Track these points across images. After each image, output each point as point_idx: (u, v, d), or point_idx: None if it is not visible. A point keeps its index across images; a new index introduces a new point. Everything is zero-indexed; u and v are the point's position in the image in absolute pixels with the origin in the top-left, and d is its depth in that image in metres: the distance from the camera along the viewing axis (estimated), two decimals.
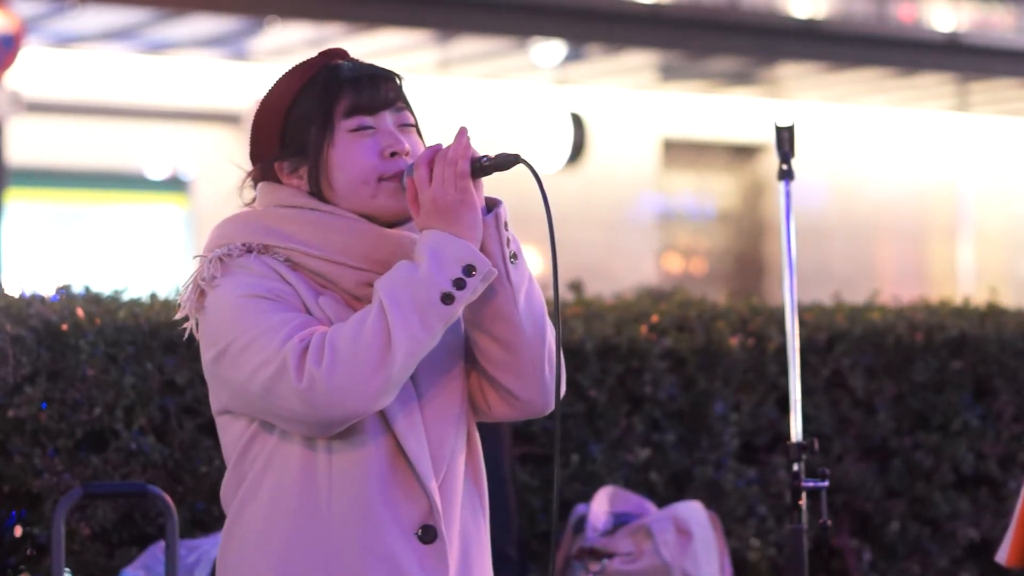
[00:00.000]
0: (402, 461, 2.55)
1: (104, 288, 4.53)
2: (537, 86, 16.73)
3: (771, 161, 14.71)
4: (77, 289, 4.45)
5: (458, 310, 2.49)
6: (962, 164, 20.12)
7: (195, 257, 2.63)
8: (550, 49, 15.57)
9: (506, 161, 2.58)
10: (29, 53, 13.10)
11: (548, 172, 16.50)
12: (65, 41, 14.88)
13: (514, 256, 2.61)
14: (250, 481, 2.57)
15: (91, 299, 4.43)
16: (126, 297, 4.51)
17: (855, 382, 5.58)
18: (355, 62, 2.66)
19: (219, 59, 15.74)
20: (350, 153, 2.58)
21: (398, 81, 2.65)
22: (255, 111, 2.68)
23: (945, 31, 16.49)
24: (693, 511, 4.79)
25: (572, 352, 5.05)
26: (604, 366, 5.11)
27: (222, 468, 3.68)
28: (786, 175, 3.75)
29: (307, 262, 2.57)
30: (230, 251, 2.57)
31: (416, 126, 2.66)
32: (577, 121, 15.94)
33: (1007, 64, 16.91)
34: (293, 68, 2.67)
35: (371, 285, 2.56)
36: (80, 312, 4.30)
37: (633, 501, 4.87)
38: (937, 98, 18.61)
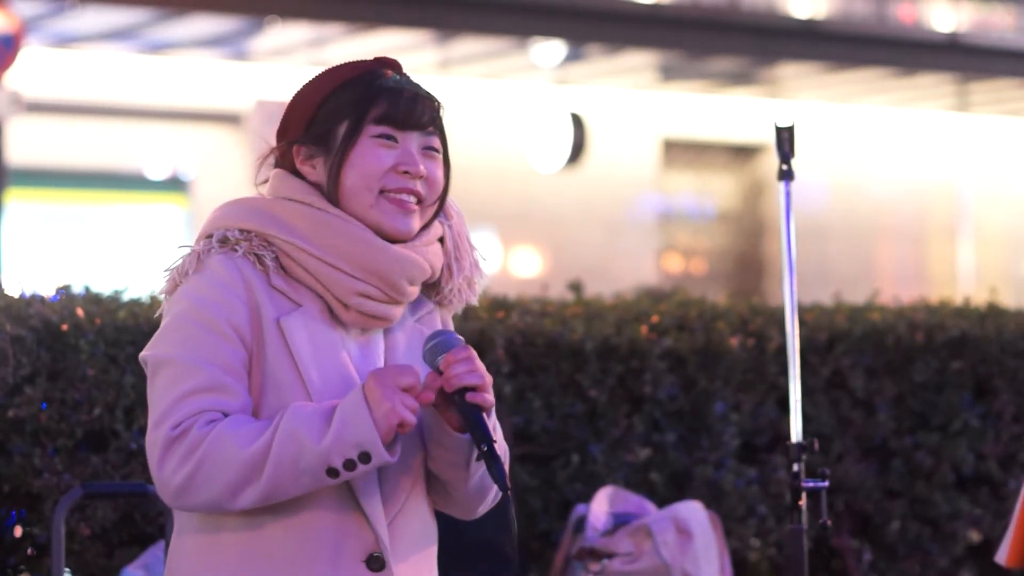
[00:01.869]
0: (352, 493, 2.55)
1: (104, 288, 4.53)
2: (537, 86, 16.73)
3: (771, 161, 14.68)
4: (77, 289, 4.45)
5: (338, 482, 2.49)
6: (962, 164, 20.12)
7: (180, 247, 2.63)
8: (550, 49, 15.57)
9: (476, 436, 2.50)
10: (29, 53, 13.10)
11: (548, 172, 16.51)
12: (65, 41, 14.88)
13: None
14: None
15: (91, 299, 4.43)
16: (126, 297, 4.51)
17: (855, 382, 5.58)
18: (403, 76, 2.67)
19: (219, 59, 15.74)
20: (365, 155, 2.59)
21: (437, 104, 2.65)
22: (296, 93, 2.69)
23: (945, 31, 16.49)
24: (693, 511, 4.79)
25: (572, 352, 5.05)
26: (604, 366, 5.11)
27: None
28: (786, 175, 3.75)
29: (304, 259, 2.56)
30: (211, 245, 2.57)
31: (444, 152, 2.66)
32: (577, 121, 15.94)
33: (1007, 64, 16.92)
34: (341, 64, 2.68)
35: (363, 295, 2.56)
36: (80, 312, 4.30)
37: (633, 501, 4.87)
38: (937, 98, 18.62)
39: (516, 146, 16.71)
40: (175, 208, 16.42)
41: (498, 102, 17.13)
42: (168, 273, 2.60)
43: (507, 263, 16.96)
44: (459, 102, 16.58)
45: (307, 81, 2.69)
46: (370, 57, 2.72)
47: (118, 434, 4.35)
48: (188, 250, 2.61)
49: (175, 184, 16.32)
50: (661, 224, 18.58)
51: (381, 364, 2.61)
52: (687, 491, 5.21)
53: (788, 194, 3.76)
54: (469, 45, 15.27)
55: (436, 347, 2.54)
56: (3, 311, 4.21)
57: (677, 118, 18.29)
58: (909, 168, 19.77)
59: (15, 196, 14.21)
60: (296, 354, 2.52)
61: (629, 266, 17.44)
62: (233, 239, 2.57)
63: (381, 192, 2.58)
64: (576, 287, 5.49)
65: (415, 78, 2.69)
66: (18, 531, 4.18)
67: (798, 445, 3.64)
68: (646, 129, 18.07)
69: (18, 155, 13.75)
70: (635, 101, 17.88)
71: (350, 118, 2.59)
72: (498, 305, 5.13)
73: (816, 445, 3.65)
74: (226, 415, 2.49)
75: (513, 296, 5.26)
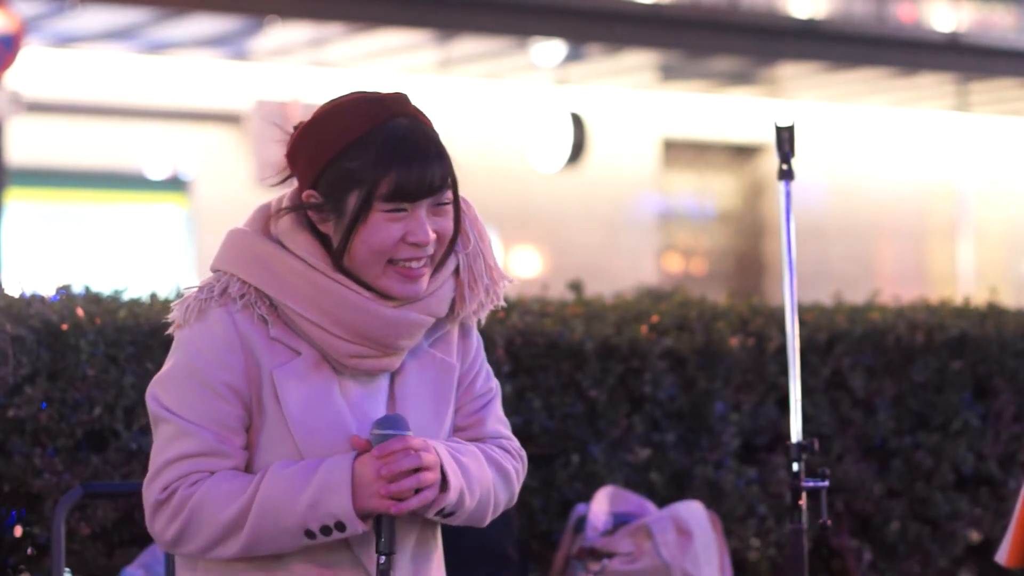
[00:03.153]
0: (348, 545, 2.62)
1: (104, 288, 4.53)
2: (537, 86, 16.73)
3: (771, 161, 14.69)
4: (77, 289, 4.45)
5: (316, 543, 2.56)
6: (962, 164, 20.13)
7: (187, 288, 2.68)
8: (550, 49, 15.57)
9: (377, 541, 2.56)
10: (29, 53, 13.10)
11: (548, 172, 16.51)
12: (65, 41, 14.89)
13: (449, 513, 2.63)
14: None
15: (91, 299, 4.42)
16: (126, 297, 4.51)
17: (855, 382, 5.58)
18: (413, 124, 2.60)
19: (219, 59, 15.75)
20: (375, 232, 2.57)
21: (446, 161, 2.61)
22: (305, 126, 2.64)
23: (945, 31, 16.50)
24: (693, 511, 4.79)
25: (572, 352, 5.05)
26: (604, 366, 5.11)
27: None
28: (786, 175, 3.75)
29: (299, 321, 2.60)
30: (211, 295, 2.61)
31: (455, 201, 2.63)
32: (577, 121, 15.95)
33: (1007, 64, 16.93)
34: (350, 106, 2.61)
35: (360, 357, 2.59)
36: (80, 312, 4.30)
37: (633, 501, 4.87)
38: (937, 98, 18.62)
39: (516, 146, 16.71)
40: (175, 208, 16.42)
41: (498, 102, 17.13)
42: (178, 306, 2.65)
43: (507, 263, 16.97)
44: (459, 102, 16.58)
45: (317, 120, 2.62)
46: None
47: (118, 434, 4.34)
48: (195, 288, 2.65)
49: (175, 184, 16.33)
50: (661, 224, 18.59)
51: (384, 404, 2.65)
52: (687, 491, 5.21)
53: (788, 194, 3.76)
54: (469, 45, 15.27)
55: (377, 439, 2.56)
56: (3, 311, 4.21)
57: (677, 118, 18.29)
58: (909, 168, 19.77)
59: (15, 196, 14.22)
60: (285, 407, 2.58)
61: (629, 266, 17.45)
62: (232, 293, 2.61)
63: (389, 262, 2.59)
64: (576, 287, 5.49)
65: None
66: (18, 531, 4.18)
67: (798, 445, 3.64)
68: (646, 129, 18.07)
69: (18, 155, 13.76)
70: (635, 101, 17.88)
71: (359, 190, 2.56)
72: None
73: (816, 445, 3.65)
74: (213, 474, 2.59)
75: (513, 296, 5.26)
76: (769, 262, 18.82)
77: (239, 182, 14.77)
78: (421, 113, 2.64)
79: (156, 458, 2.59)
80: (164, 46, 15.27)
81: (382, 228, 2.57)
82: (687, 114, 18.35)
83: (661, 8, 15.14)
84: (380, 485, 2.52)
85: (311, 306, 2.59)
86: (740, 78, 17.53)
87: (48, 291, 4.38)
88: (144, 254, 16.01)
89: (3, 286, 4.42)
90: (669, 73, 17.05)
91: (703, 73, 17.20)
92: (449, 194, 2.62)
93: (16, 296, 4.33)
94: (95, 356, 4.28)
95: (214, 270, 2.67)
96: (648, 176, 18.18)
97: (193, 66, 15.87)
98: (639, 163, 18.08)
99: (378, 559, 2.54)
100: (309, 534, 2.53)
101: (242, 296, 2.61)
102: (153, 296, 4.58)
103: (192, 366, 2.59)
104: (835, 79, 17.39)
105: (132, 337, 4.35)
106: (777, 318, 5.42)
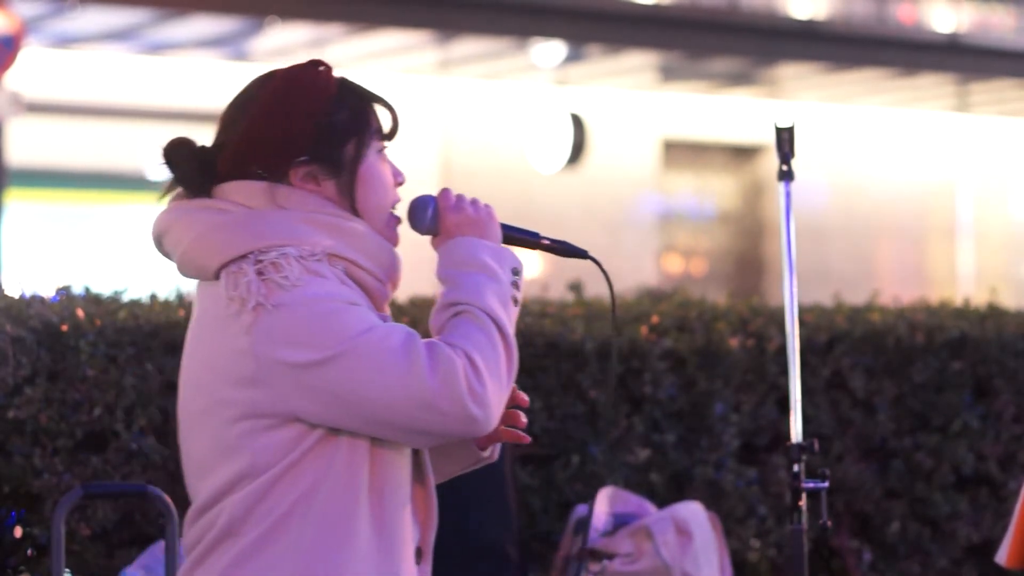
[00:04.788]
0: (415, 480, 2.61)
1: (104, 289, 4.53)
2: (537, 86, 16.73)
3: (771, 161, 14.67)
4: (77, 290, 4.45)
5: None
6: (962, 164, 20.13)
7: (257, 257, 2.50)
8: (550, 49, 15.57)
9: (570, 251, 2.74)
10: (29, 53, 13.10)
11: (548, 172, 16.51)
12: (65, 41, 14.89)
13: None
14: (303, 492, 2.47)
15: (91, 300, 4.43)
16: (126, 298, 4.51)
17: (855, 382, 5.58)
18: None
19: (219, 59, 15.75)
20: (376, 175, 2.60)
21: None
22: (262, 111, 2.58)
23: (945, 32, 16.49)
24: (693, 512, 4.79)
25: (572, 352, 5.05)
26: (604, 366, 5.11)
27: None
28: (786, 176, 3.75)
29: (359, 275, 2.54)
30: (302, 253, 2.48)
31: None
32: (577, 121, 15.95)
33: (1007, 64, 16.92)
34: (303, 73, 2.60)
35: (389, 303, 2.61)
36: (80, 313, 4.30)
37: (633, 502, 4.87)
38: (937, 98, 18.62)
39: (516, 146, 16.71)
40: None
41: (498, 102, 17.13)
42: (247, 280, 2.47)
43: None
44: (459, 102, 16.58)
45: (275, 98, 2.58)
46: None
47: (118, 434, 4.35)
48: (269, 256, 2.49)
49: None
50: (661, 224, 18.58)
51: None
52: (687, 492, 5.22)
53: (788, 194, 3.76)
54: (469, 45, 15.26)
55: (420, 214, 2.62)
56: (3, 311, 4.22)
57: (677, 118, 18.29)
58: (909, 168, 19.77)
59: (15, 196, 14.22)
60: None
61: (629, 266, 17.44)
62: (309, 256, 2.50)
63: (390, 212, 2.62)
64: (576, 288, 5.49)
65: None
66: (18, 531, 4.18)
67: (798, 446, 3.64)
68: (646, 129, 18.07)
69: (18, 155, 13.76)
70: (635, 101, 17.88)
71: (359, 135, 2.58)
72: None
73: (816, 445, 3.65)
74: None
75: None
76: (769, 262, 18.81)
77: None
78: None
79: (406, 365, 2.41)
80: (164, 46, 15.26)
81: (380, 171, 2.61)
82: (687, 114, 18.35)
83: (661, 8, 15.13)
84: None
85: (366, 253, 2.54)
86: (740, 78, 17.52)
87: (48, 292, 4.39)
88: (144, 254, 15.99)
89: (3, 286, 4.42)
90: (669, 73, 17.05)
91: (703, 73, 17.19)
92: None
93: (16, 297, 4.33)
94: (95, 357, 4.28)
95: (251, 250, 2.49)
96: (648, 176, 18.18)
97: (193, 66, 15.87)
98: (639, 163, 18.08)
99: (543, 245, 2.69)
100: (515, 301, 2.55)
101: (318, 258, 2.50)
102: (153, 297, 4.58)
103: (345, 303, 2.46)
104: (835, 79, 17.38)
105: (132, 338, 4.35)
106: (777, 318, 5.42)
